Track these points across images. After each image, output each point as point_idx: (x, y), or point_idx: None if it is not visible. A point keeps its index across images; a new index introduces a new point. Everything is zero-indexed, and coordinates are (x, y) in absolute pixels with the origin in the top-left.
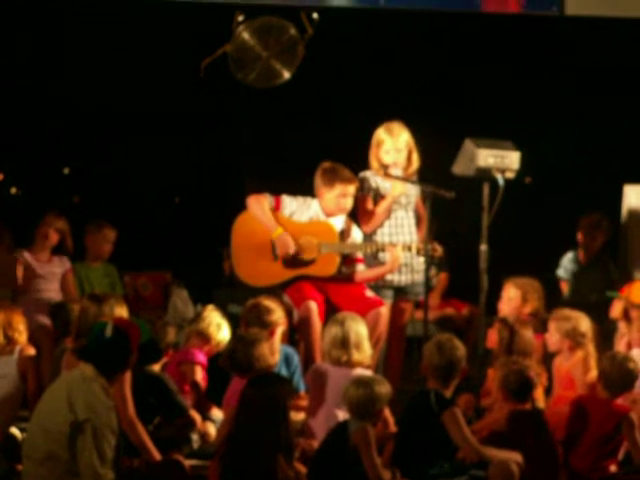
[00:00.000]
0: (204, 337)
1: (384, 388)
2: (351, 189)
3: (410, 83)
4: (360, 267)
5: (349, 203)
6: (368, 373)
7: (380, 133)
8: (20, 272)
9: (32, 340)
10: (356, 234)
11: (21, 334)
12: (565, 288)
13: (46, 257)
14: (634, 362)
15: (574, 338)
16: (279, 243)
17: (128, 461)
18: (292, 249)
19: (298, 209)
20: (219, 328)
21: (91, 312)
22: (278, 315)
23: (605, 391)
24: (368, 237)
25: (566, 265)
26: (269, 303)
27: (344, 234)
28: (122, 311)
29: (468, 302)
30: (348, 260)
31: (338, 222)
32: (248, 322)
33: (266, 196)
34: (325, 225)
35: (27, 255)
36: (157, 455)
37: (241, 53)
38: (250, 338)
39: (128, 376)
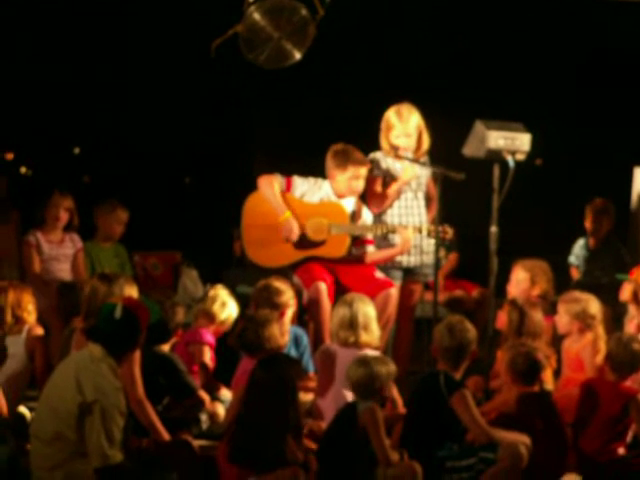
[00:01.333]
0: (210, 316)
1: (384, 367)
2: (363, 171)
3: (421, 64)
4: (370, 248)
5: (361, 185)
6: (376, 354)
7: (390, 117)
8: (31, 253)
9: (41, 320)
10: (366, 215)
11: (30, 314)
12: (576, 274)
13: (58, 237)
14: None
15: (583, 320)
16: (283, 227)
17: (137, 441)
18: (295, 236)
19: (309, 190)
20: (225, 307)
21: (101, 292)
22: (288, 296)
23: (612, 373)
24: (377, 218)
25: (577, 252)
26: (279, 284)
27: (355, 215)
28: (132, 291)
29: (477, 284)
30: (358, 241)
31: (349, 203)
32: (258, 303)
33: (277, 177)
34: (336, 206)
35: (39, 236)
36: (166, 435)
37: (252, 34)
38: (260, 318)
39: (137, 356)
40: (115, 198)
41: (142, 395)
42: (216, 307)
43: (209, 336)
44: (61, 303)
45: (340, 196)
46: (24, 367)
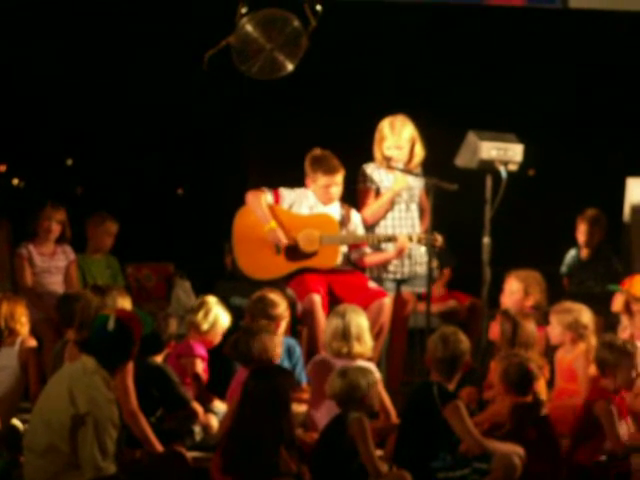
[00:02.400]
0: (195, 325)
1: (363, 377)
2: (337, 178)
3: (413, 75)
4: (366, 250)
5: (335, 192)
6: (369, 365)
7: (383, 128)
8: (23, 266)
9: (34, 332)
10: (355, 218)
11: (23, 326)
12: (568, 285)
13: (50, 250)
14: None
15: (576, 331)
16: (270, 237)
17: (130, 453)
18: (284, 242)
19: (297, 199)
20: (208, 315)
21: (93, 304)
22: (283, 308)
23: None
24: (370, 229)
25: (569, 262)
26: (275, 296)
27: (343, 221)
28: (125, 302)
29: (470, 294)
30: (352, 245)
31: (334, 210)
32: (253, 315)
33: (264, 190)
34: (326, 217)
35: (32, 248)
36: (159, 447)
37: (244, 45)
38: (254, 330)
39: (130, 368)
40: (106, 210)
41: (135, 407)
42: (199, 316)
43: (201, 349)
44: (59, 315)
45: (323, 203)
46: (17, 379)
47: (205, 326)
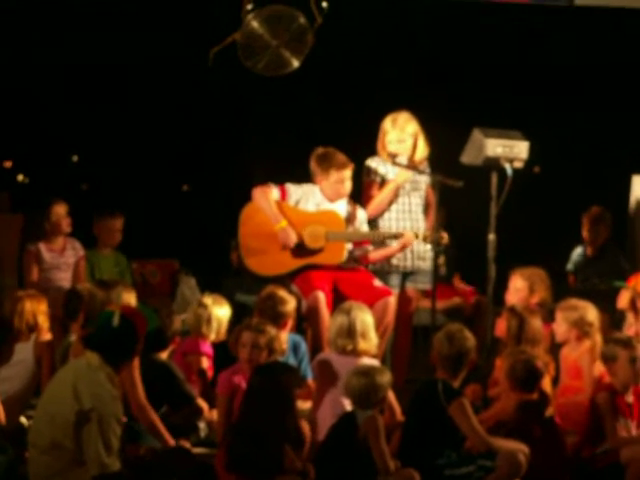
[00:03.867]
0: (200, 333)
1: (385, 377)
2: (347, 173)
3: (420, 72)
4: (369, 248)
5: (347, 187)
6: (374, 362)
7: (385, 123)
8: (30, 262)
9: None
10: (361, 215)
11: (44, 323)
12: (573, 282)
13: (59, 246)
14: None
15: (581, 328)
16: (280, 236)
17: (134, 449)
18: (292, 243)
19: (303, 196)
20: (217, 324)
21: (98, 298)
22: (292, 306)
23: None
24: (374, 222)
25: (574, 259)
26: (284, 294)
27: (349, 218)
28: (130, 298)
29: (473, 286)
30: (356, 242)
31: (341, 207)
32: (262, 312)
33: (271, 187)
34: (331, 214)
35: (41, 245)
36: (170, 440)
37: (250, 41)
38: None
39: (137, 362)
40: (111, 206)
41: (144, 400)
42: (203, 328)
43: (206, 346)
44: (65, 309)
45: (330, 200)
46: (31, 374)
47: (211, 335)
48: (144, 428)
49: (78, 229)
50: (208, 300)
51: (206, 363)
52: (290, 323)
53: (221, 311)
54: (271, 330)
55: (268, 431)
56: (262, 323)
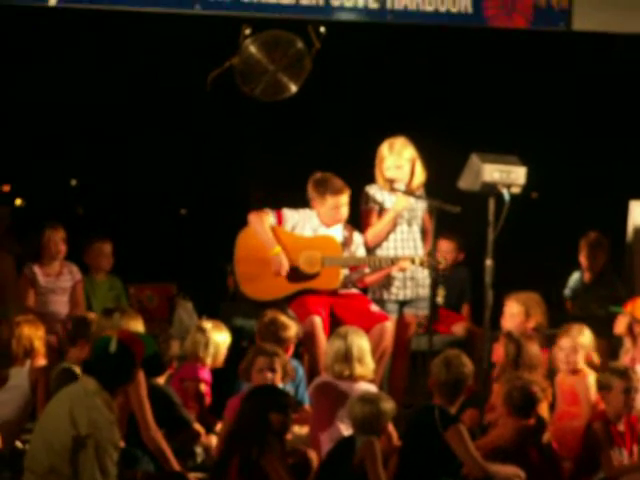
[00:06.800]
0: (201, 359)
1: (389, 404)
2: (343, 199)
3: (417, 97)
4: (366, 271)
5: (344, 213)
6: (371, 387)
7: (382, 149)
8: (25, 287)
9: None
10: (357, 239)
11: (40, 349)
12: (571, 308)
13: (55, 270)
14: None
15: (578, 354)
16: (273, 262)
17: (130, 474)
18: (284, 270)
19: (300, 221)
20: (215, 349)
21: (105, 326)
22: (294, 331)
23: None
24: (372, 251)
25: (572, 285)
26: (286, 319)
27: (346, 242)
28: (137, 325)
29: (462, 316)
30: (354, 267)
31: (337, 231)
32: (264, 337)
33: (267, 212)
34: (328, 239)
35: (36, 269)
36: (176, 465)
37: (248, 66)
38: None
39: (142, 382)
40: (108, 230)
41: (152, 423)
42: (201, 353)
43: (204, 372)
44: (69, 333)
45: (327, 225)
46: (26, 399)
47: (208, 360)
48: (141, 454)
49: (76, 254)
50: (207, 325)
51: (204, 388)
52: (292, 348)
53: (220, 337)
54: (283, 354)
55: (250, 452)
56: (274, 347)
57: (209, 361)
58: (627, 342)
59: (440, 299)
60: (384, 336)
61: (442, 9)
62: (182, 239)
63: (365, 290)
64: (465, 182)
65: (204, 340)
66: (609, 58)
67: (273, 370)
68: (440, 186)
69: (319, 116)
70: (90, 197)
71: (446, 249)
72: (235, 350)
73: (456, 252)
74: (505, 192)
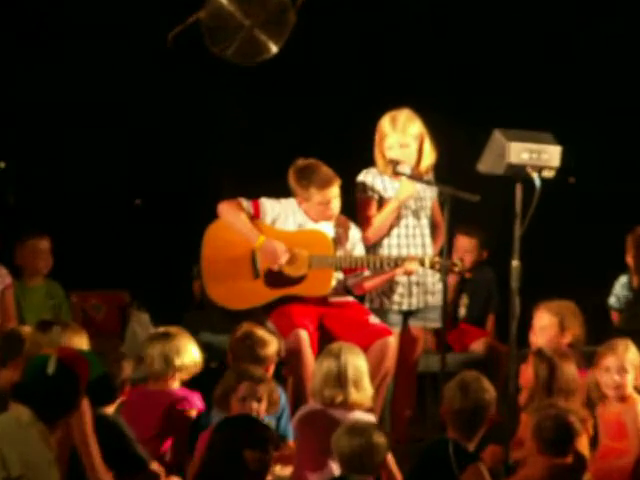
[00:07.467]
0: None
1: (383, 436)
2: (333, 191)
3: (425, 61)
4: (366, 274)
5: (334, 207)
6: (370, 417)
7: (383, 125)
8: None
9: None
10: (354, 235)
11: None
12: (618, 320)
13: None
14: None
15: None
16: (266, 252)
17: None
18: (285, 257)
19: (282, 213)
20: (192, 360)
21: (41, 343)
22: (274, 349)
23: None
24: (372, 250)
25: (618, 292)
26: (264, 333)
27: (339, 238)
28: (81, 342)
29: (485, 330)
30: (349, 269)
31: (327, 227)
32: (237, 355)
33: (242, 201)
34: (317, 234)
35: None
36: None
37: (218, 21)
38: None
39: (88, 412)
40: (44, 224)
41: (100, 462)
42: (176, 360)
43: (197, 399)
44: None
45: (315, 220)
46: None
47: (183, 373)
48: None
49: (5, 253)
50: (172, 329)
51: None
52: (271, 369)
53: (191, 345)
54: (269, 379)
55: None
56: (259, 369)
57: (183, 374)
58: None
59: (463, 309)
60: (386, 355)
61: None
62: (136, 236)
63: (362, 298)
64: (486, 164)
65: (173, 349)
66: None
67: (259, 399)
68: (454, 169)
69: (304, 83)
70: (23, 183)
71: (466, 247)
72: (201, 372)
73: (478, 251)
74: (535, 176)
